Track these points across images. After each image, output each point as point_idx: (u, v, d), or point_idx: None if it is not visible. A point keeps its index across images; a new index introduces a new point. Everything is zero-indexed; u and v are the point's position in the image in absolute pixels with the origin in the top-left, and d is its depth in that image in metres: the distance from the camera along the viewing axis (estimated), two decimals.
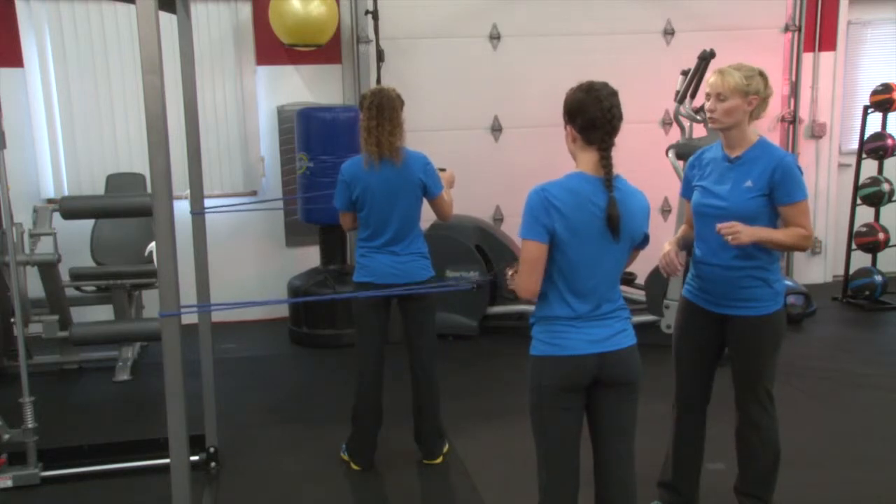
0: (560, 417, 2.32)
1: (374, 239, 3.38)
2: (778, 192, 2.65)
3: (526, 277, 2.23)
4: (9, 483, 3.37)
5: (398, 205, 3.35)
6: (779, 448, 2.87)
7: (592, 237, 2.21)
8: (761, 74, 2.72)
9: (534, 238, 2.19)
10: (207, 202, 3.42)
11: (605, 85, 2.24)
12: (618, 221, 2.20)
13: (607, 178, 2.21)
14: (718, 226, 2.62)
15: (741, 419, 2.88)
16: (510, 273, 2.44)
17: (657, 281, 5.03)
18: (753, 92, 2.68)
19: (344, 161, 3.47)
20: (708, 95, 2.74)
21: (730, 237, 2.58)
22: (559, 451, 2.34)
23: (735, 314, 2.76)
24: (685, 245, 2.94)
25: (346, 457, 3.60)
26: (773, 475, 2.89)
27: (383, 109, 3.28)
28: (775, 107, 6.38)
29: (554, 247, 2.21)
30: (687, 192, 2.90)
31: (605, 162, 2.21)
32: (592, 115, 2.20)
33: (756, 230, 2.62)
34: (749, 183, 2.68)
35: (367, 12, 5.57)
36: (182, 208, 3.06)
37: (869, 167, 5.98)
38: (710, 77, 2.74)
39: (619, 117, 2.23)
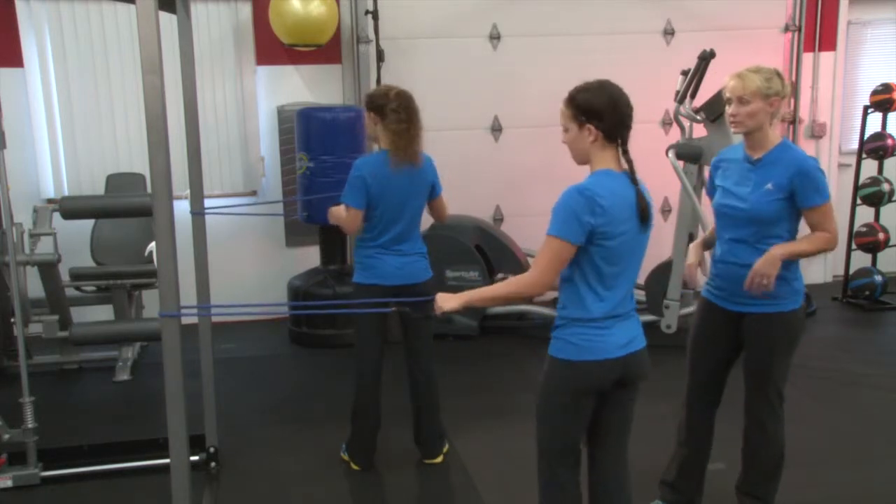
0: (581, 418, 2.34)
1: (380, 237, 3.36)
2: (799, 196, 2.65)
3: (544, 273, 2.22)
4: (9, 483, 3.37)
5: (411, 205, 3.37)
6: (783, 450, 2.86)
7: (629, 232, 2.25)
8: (778, 74, 2.72)
9: (566, 238, 2.19)
10: (207, 202, 3.42)
11: (611, 82, 2.30)
12: (648, 212, 2.27)
13: (632, 172, 2.28)
14: (746, 286, 2.67)
15: (748, 419, 2.87)
16: (500, 278, 2.45)
17: (657, 281, 5.03)
18: (774, 94, 2.67)
19: (344, 160, 3.47)
20: (728, 100, 2.72)
21: (765, 283, 2.62)
22: (570, 450, 2.37)
23: (751, 311, 2.75)
24: (711, 244, 2.94)
25: (346, 457, 3.60)
26: (776, 477, 2.88)
27: (412, 113, 3.30)
28: None
29: (594, 247, 2.22)
30: (711, 191, 2.92)
31: (628, 157, 2.28)
32: (622, 113, 2.25)
33: (777, 253, 2.63)
34: (769, 186, 2.67)
35: (367, 12, 5.57)
36: (182, 208, 3.05)
37: (869, 167, 5.97)
38: (728, 81, 2.72)
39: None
